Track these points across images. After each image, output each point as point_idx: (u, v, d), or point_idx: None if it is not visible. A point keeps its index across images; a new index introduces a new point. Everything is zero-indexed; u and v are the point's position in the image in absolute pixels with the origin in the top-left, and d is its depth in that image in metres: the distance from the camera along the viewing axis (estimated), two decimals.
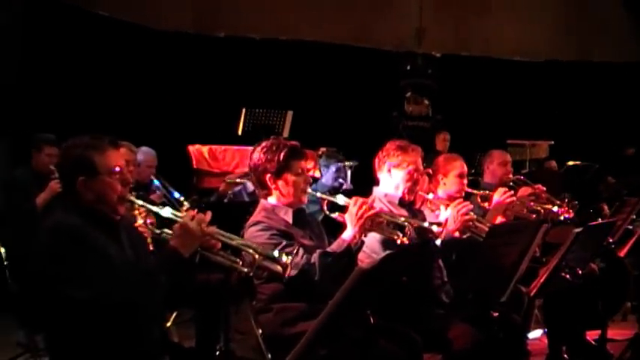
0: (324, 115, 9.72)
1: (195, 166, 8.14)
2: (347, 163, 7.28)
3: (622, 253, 4.76)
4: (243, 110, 8.12)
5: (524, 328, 4.44)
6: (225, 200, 6.06)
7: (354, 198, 3.46)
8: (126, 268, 2.66)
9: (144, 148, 5.95)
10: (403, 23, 10.83)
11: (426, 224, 3.64)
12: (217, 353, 4.32)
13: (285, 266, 2.81)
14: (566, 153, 9.40)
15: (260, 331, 3.56)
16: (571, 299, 4.81)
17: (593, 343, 5.04)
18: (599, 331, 4.91)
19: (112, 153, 2.78)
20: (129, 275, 2.62)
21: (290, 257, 2.83)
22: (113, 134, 2.90)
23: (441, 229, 3.63)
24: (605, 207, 6.78)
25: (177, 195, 5.68)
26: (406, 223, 3.50)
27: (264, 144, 3.58)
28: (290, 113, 8.30)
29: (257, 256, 2.79)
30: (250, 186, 5.63)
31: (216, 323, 4.62)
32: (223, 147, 8.35)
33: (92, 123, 7.38)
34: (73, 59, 8.29)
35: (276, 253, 2.84)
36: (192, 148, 8.19)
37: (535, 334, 5.41)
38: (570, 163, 9.17)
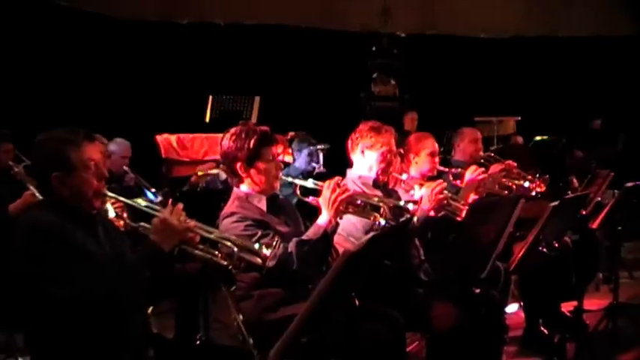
0: (292, 99, 9.67)
1: (164, 156, 8.05)
2: (319, 147, 7.25)
3: (594, 225, 4.81)
4: (210, 97, 8.07)
5: (502, 303, 4.49)
6: (198, 189, 6.02)
7: (327, 181, 3.44)
8: (106, 264, 2.61)
9: (118, 139, 5.93)
10: (368, 4, 10.79)
11: (401, 203, 3.63)
12: (198, 343, 4.29)
13: (265, 258, 2.78)
14: (533, 128, 9.48)
15: (240, 316, 3.54)
16: (545, 272, 4.86)
17: (568, 314, 5.11)
18: (573, 303, 4.97)
19: (87, 147, 2.71)
20: (110, 271, 2.58)
21: (270, 249, 2.79)
22: (77, 126, 2.82)
23: (416, 207, 3.64)
24: (575, 180, 6.86)
25: (150, 195, 5.61)
26: (381, 204, 3.50)
27: (233, 130, 3.51)
28: (257, 99, 8.27)
29: (236, 249, 2.76)
30: (223, 174, 5.59)
31: (195, 313, 4.60)
32: (191, 135, 8.27)
33: (56, 115, 7.28)
34: (36, 51, 8.14)
35: (256, 246, 2.81)
36: (160, 138, 8.09)
37: (511, 308, 5.47)
38: (538, 137, 9.25)
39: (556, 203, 3.72)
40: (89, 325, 2.53)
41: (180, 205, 2.73)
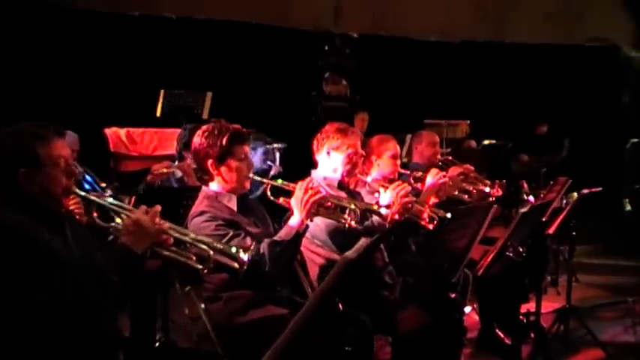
0: (243, 95, 9.56)
1: (112, 150, 7.87)
2: (275, 145, 7.19)
3: (550, 231, 4.88)
4: (162, 92, 7.93)
5: (461, 305, 4.52)
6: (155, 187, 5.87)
7: (299, 182, 3.40)
8: (75, 267, 2.48)
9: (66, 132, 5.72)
10: (320, 2, 10.74)
11: (375, 207, 3.62)
12: (157, 344, 4.19)
13: (242, 263, 2.70)
14: (481, 132, 9.61)
15: (203, 305, 3.47)
16: (502, 276, 4.92)
17: (522, 317, 5.18)
18: (527, 306, 5.05)
19: (57, 143, 2.59)
20: (79, 274, 2.45)
21: (247, 254, 2.71)
22: (21, 118, 2.66)
23: (389, 211, 3.63)
24: (525, 184, 6.95)
25: (89, 178, 5.44)
26: (353, 206, 3.48)
27: (205, 128, 3.46)
28: (209, 94, 8.16)
29: (212, 252, 2.67)
30: (178, 172, 5.48)
31: (151, 312, 4.49)
32: (141, 129, 8.10)
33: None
34: None
35: (233, 250, 2.72)
36: (109, 131, 7.91)
37: (465, 310, 5.53)
38: (486, 142, 9.39)
39: (526, 209, 3.77)
40: (59, 330, 2.42)
41: (158, 207, 2.63)
